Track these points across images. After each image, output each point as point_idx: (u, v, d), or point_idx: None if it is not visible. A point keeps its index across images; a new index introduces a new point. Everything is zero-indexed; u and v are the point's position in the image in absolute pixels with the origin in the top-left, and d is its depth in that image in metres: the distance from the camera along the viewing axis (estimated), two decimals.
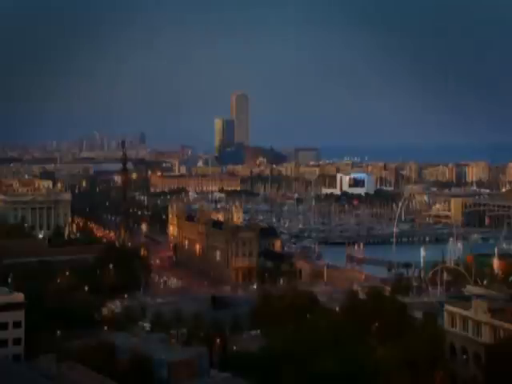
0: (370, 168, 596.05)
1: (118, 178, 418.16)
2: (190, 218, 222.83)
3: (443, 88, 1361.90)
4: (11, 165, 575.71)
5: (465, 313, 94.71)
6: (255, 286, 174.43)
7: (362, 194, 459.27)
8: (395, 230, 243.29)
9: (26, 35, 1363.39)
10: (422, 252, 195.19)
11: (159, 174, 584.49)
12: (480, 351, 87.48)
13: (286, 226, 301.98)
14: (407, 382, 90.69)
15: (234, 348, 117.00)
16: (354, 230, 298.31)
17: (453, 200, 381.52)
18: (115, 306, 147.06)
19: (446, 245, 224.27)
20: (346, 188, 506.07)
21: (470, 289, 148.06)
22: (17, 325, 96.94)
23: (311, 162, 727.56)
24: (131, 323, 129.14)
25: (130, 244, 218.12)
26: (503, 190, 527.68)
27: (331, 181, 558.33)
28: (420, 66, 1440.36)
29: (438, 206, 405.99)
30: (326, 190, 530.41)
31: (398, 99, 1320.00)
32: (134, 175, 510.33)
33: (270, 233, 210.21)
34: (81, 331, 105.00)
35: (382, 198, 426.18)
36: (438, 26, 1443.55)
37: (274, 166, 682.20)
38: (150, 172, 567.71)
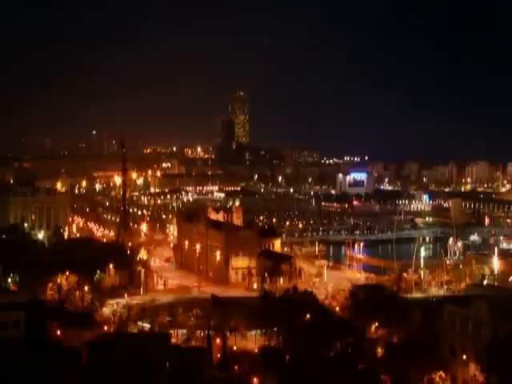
0: (369, 168, 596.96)
1: (117, 178, 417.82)
2: (190, 217, 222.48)
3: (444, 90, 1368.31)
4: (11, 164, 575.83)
5: (465, 313, 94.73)
6: (255, 286, 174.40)
7: (362, 193, 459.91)
8: (395, 229, 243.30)
9: (25, 35, 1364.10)
10: (422, 252, 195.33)
11: (159, 173, 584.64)
12: (480, 351, 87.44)
13: (286, 225, 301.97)
14: (407, 382, 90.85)
15: (234, 348, 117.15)
16: (353, 230, 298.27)
17: (452, 200, 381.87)
18: (115, 306, 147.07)
19: (446, 245, 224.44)
20: (345, 188, 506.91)
21: (470, 289, 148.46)
22: (17, 325, 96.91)
23: (311, 162, 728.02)
24: (131, 323, 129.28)
25: (129, 244, 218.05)
26: (503, 189, 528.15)
27: (331, 181, 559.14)
28: (420, 66, 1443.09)
29: (436, 205, 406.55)
30: (326, 190, 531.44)
31: (397, 99, 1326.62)
32: (134, 175, 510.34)
33: (269, 233, 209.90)
34: (81, 331, 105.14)
35: (381, 197, 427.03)
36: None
37: (274, 165, 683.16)
38: (150, 172, 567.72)
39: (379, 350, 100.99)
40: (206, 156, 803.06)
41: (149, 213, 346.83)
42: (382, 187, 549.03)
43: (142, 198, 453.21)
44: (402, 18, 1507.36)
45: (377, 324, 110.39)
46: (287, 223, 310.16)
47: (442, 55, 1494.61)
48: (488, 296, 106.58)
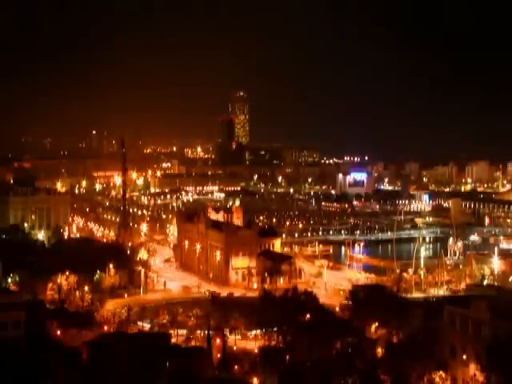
0: (369, 168, 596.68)
1: (117, 178, 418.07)
2: (190, 217, 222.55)
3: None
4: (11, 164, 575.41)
5: (465, 313, 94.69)
6: (255, 286, 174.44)
7: (362, 193, 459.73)
8: (395, 229, 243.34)
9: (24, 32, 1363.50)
10: (422, 252, 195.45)
11: (159, 173, 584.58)
12: (480, 351, 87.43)
13: (286, 225, 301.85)
14: (407, 382, 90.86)
15: (234, 348, 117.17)
16: (353, 230, 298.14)
17: (452, 200, 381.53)
18: (115, 306, 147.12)
19: (446, 245, 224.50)
20: (345, 188, 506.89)
21: (470, 289, 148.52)
22: (17, 325, 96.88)
23: (311, 162, 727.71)
24: (131, 323, 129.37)
25: (129, 244, 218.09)
26: (503, 189, 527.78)
27: (331, 181, 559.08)
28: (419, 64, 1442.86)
29: (436, 205, 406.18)
30: (325, 190, 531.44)
31: (396, 99, 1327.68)
32: (134, 175, 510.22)
33: (269, 233, 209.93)
34: (81, 331, 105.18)
35: (381, 197, 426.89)
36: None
37: (274, 165, 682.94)
38: (150, 172, 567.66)
39: (379, 350, 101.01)
40: (206, 156, 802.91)
41: (149, 213, 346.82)
42: (381, 187, 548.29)
43: (142, 198, 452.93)
44: (402, 17, 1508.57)
45: (377, 324, 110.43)
46: (287, 223, 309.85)
47: (441, 56, 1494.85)
48: (488, 296, 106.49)
